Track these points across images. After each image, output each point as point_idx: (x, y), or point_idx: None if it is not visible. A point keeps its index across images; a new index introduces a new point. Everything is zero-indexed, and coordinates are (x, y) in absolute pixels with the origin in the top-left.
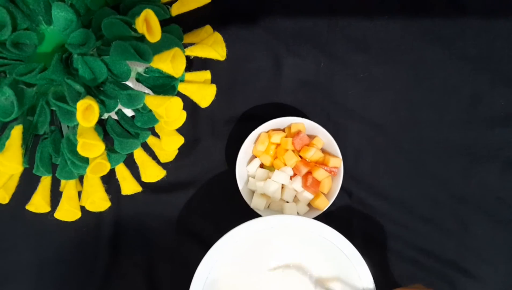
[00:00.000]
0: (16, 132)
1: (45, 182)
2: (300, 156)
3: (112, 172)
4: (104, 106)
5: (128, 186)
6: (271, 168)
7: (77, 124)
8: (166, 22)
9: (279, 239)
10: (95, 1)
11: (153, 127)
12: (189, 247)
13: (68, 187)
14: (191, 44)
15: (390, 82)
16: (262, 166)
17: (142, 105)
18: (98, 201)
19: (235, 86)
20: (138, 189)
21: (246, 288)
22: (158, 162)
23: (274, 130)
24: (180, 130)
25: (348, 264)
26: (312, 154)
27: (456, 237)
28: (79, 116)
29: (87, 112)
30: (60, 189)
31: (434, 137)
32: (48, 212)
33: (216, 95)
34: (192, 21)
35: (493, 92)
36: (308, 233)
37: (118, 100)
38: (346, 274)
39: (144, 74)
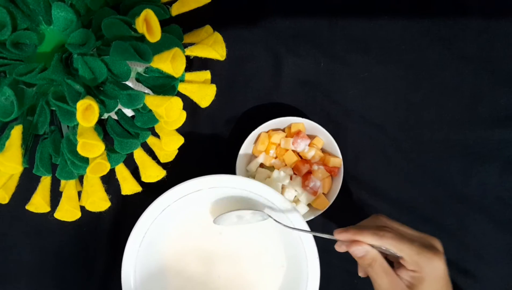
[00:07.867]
0: (16, 132)
1: (45, 182)
2: (300, 156)
3: (112, 172)
4: (104, 106)
5: (128, 186)
6: (271, 168)
7: (77, 124)
8: (166, 22)
9: (212, 198)
10: (95, 1)
11: (153, 127)
12: None
13: (68, 187)
14: (191, 44)
15: (390, 82)
16: (262, 166)
17: (142, 105)
18: (98, 201)
19: (235, 86)
20: (138, 189)
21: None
22: (158, 162)
23: (274, 130)
24: (180, 130)
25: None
26: (312, 154)
27: (456, 237)
28: (79, 116)
29: (87, 112)
30: (60, 189)
31: (434, 137)
32: (48, 212)
33: (216, 95)
34: (192, 21)
35: (493, 92)
36: (232, 190)
37: (118, 100)
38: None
39: (144, 74)
